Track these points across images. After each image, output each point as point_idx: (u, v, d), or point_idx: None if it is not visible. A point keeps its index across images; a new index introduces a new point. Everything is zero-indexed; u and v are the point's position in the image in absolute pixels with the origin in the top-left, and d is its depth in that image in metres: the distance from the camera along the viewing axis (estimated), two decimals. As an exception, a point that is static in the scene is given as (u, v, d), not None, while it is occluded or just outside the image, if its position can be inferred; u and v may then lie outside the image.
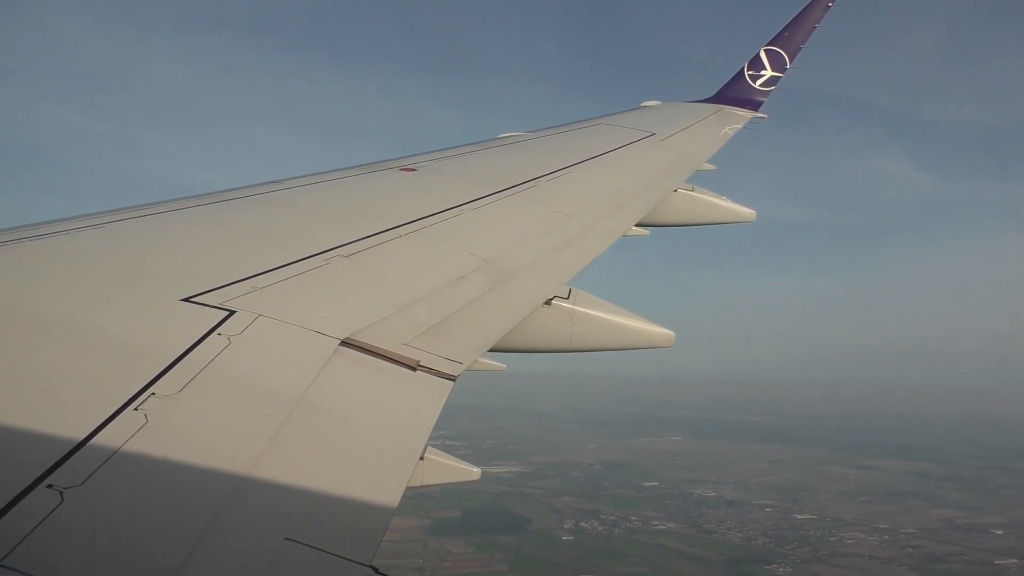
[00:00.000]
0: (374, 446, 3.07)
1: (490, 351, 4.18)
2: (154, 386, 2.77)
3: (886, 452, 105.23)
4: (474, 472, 3.74)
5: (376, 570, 2.28)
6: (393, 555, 53.48)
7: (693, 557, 58.17)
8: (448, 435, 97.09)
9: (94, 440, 2.39)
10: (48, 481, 2.16)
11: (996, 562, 57.29)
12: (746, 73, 12.22)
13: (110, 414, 2.54)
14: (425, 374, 3.59)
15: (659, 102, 12.06)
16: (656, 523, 65.76)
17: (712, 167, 9.28)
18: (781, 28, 12.22)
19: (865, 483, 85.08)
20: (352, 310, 3.93)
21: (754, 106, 12.05)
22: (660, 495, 76.27)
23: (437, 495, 70.49)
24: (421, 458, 3.10)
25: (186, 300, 3.49)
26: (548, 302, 4.89)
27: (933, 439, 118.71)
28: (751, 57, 12.33)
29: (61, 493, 2.12)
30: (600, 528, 63.92)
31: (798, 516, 69.60)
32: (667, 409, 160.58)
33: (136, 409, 2.61)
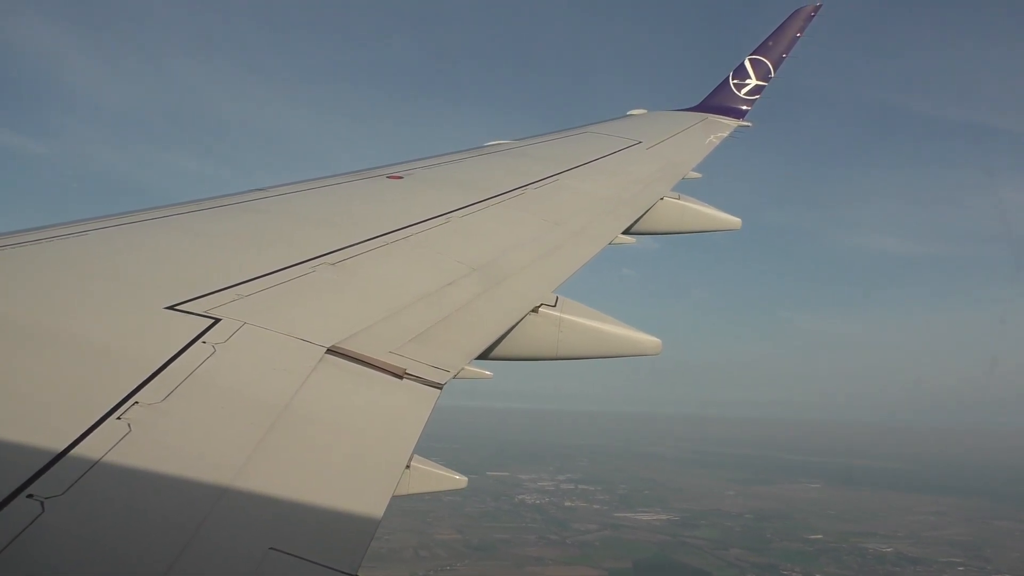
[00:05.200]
0: (360, 455, 3.02)
1: (477, 359, 4.14)
2: (137, 395, 2.71)
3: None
4: (460, 480, 3.65)
5: None
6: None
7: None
8: (577, 478, 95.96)
9: (76, 449, 2.34)
10: (29, 491, 2.11)
11: None
12: (731, 82, 12.15)
13: (93, 423, 2.48)
14: (412, 382, 3.53)
15: (645, 110, 12.03)
16: (848, 583, 61.81)
17: (698, 175, 9.28)
18: (765, 38, 12.18)
19: (1050, 540, 78.38)
20: (338, 318, 3.89)
21: (739, 115, 11.97)
22: (832, 549, 71.49)
23: (598, 543, 68.49)
24: (407, 467, 3.05)
25: (170, 308, 3.44)
26: (535, 310, 4.86)
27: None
28: (736, 66, 12.25)
29: (42, 503, 2.07)
30: (792, 586, 60.41)
31: (999, 578, 64.39)
32: (788, 452, 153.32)
33: (119, 418, 2.55)
